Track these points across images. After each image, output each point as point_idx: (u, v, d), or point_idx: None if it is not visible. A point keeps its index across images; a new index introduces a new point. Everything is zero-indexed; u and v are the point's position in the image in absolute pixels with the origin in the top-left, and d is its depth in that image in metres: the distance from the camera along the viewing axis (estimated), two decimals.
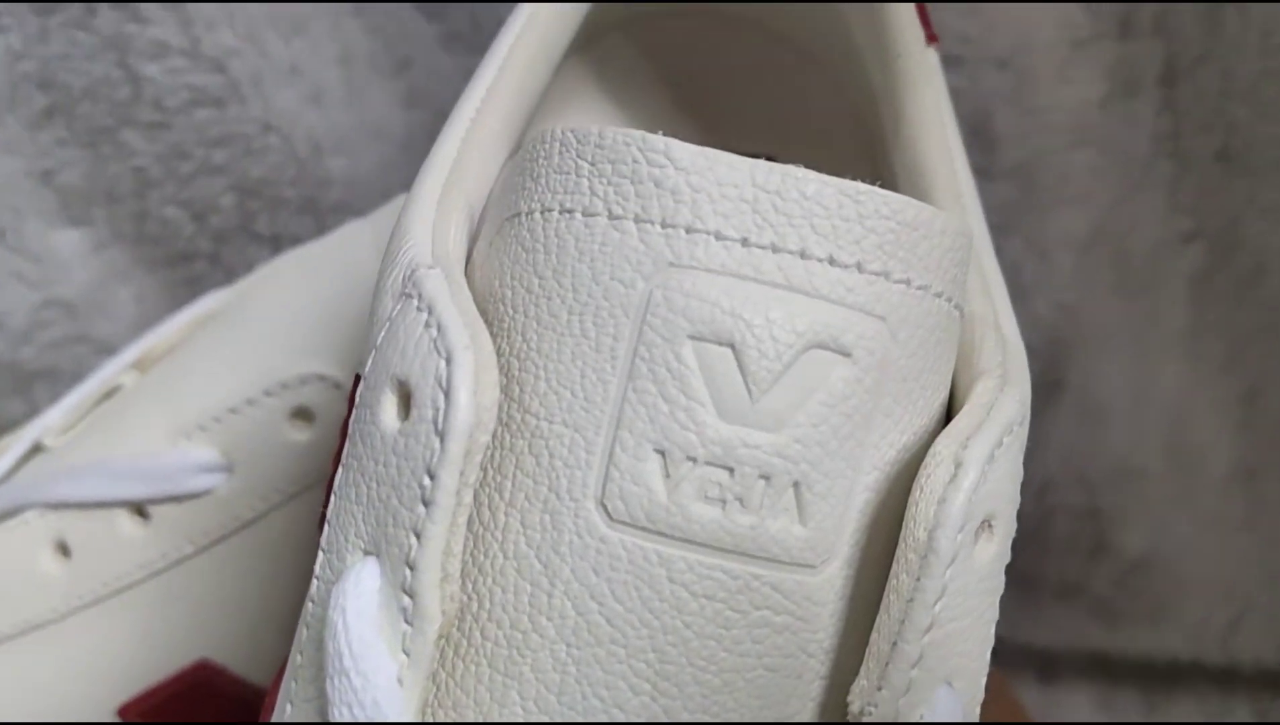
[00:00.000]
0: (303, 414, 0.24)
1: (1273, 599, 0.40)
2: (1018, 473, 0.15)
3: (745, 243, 0.14)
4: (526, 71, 0.20)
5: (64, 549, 0.25)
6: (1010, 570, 0.43)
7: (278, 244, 0.33)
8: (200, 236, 0.33)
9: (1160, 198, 0.35)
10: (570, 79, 0.25)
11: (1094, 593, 0.40)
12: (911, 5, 0.20)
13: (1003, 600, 0.43)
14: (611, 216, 0.14)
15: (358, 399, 0.15)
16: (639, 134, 0.14)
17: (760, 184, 0.14)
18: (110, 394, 0.28)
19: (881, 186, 0.14)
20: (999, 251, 0.35)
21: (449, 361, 0.14)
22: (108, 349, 0.34)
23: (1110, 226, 0.35)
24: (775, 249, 0.14)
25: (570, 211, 0.15)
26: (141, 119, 0.31)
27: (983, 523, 0.14)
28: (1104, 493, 0.38)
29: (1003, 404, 0.15)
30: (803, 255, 0.14)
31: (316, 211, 0.33)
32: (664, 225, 0.14)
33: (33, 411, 0.34)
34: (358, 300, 0.25)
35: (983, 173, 0.34)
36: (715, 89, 0.26)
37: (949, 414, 0.16)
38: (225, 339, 0.26)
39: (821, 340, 0.14)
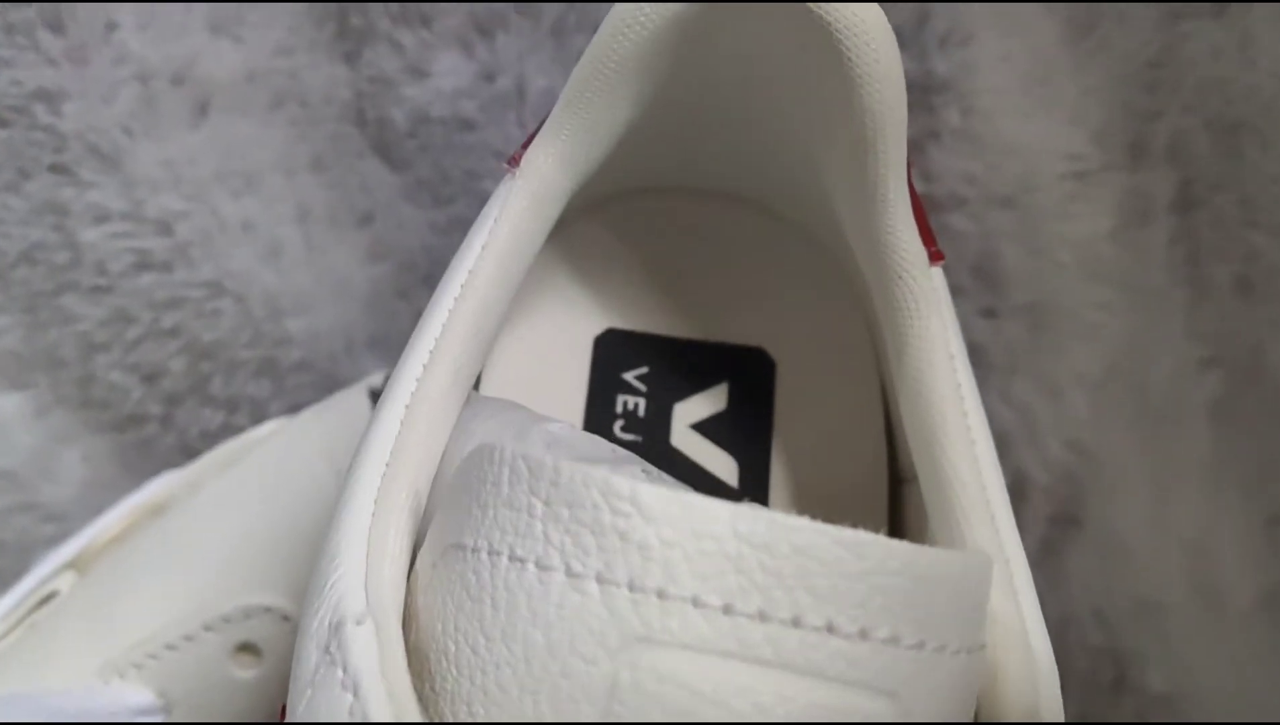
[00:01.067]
0: (248, 649, 0.22)
1: None
2: None
3: (728, 610, 0.12)
4: (487, 297, 0.18)
5: None
6: None
7: (233, 406, 0.31)
8: (150, 400, 0.31)
9: (1176, 327, 0.34)
10: (538, 270, 0.23)
11: None
12: (910, 219, 0.18)
13: None
14: (570, 574, 0.12)
15: None
16: (601, 476, 0.12)
17: (744, 536, 0.12)
18: (47, 599, 0.26)
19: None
20: (1008, 394, 0.34)
21: None
22: (55, 516, 0.32)
23: (1125, 360, 0.33)
24: (764, 617, 0.12)
25: (521, 560, 0.12)
26: (83, 283, 0.29)
27: None
28: (1124, 630, 0.37)
29: None
30: (796, 623, 0.12)
31: (275, 373, 0.30)
32: (632, 588, 0.12)
33: None
34: (305, 523, 0.23)
35: (990, 313, 0.32)
36: (700, 272, 0.24)
37: None
38: (164, 558, 0.23)
39: None
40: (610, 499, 0.12)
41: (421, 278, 0.31)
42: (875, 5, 0.16)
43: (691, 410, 0.23)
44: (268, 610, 0.22)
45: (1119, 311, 0.33)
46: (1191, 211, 0.33)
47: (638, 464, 0.15)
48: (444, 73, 0.28)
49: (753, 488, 0.22)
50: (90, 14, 0.27)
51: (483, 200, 0.30)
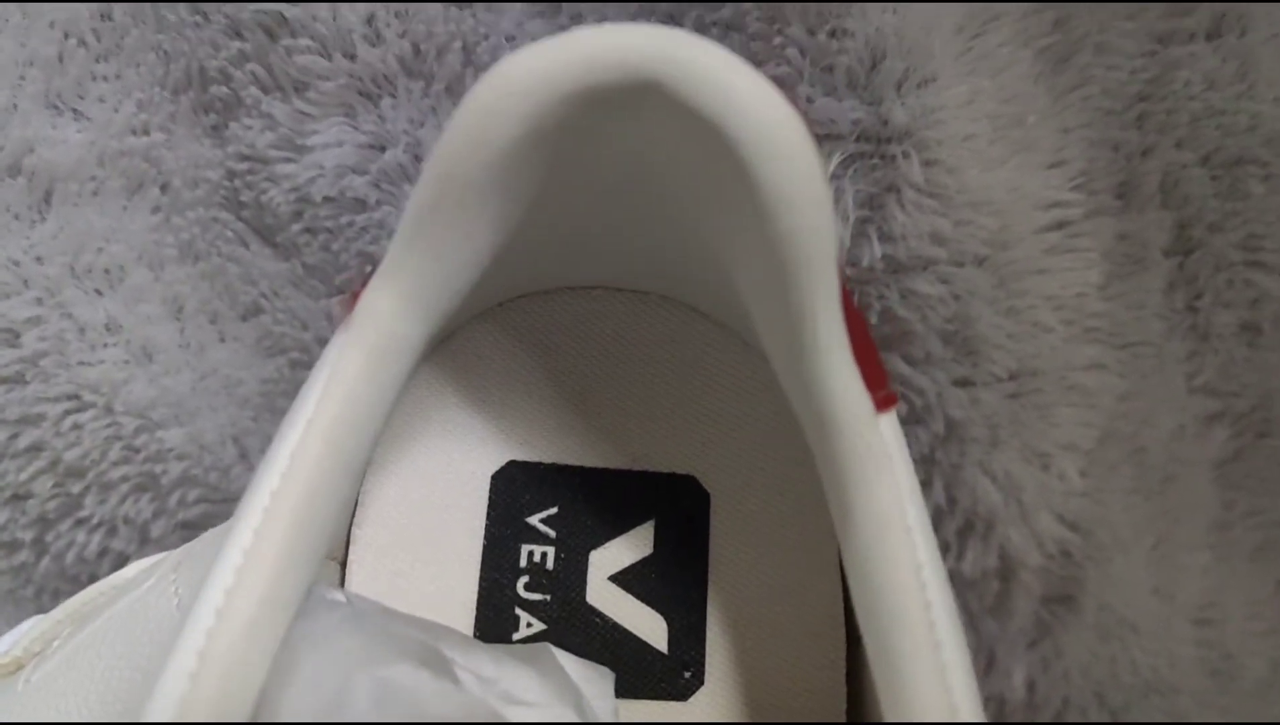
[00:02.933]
0: None
1: None
2: None
3: None
4: (314, 485, 0.14)
5: None
6: None
7: (112, 529, 0.27)
8: (17, 525, 0.27)
9: (1177, 382, 0.31)
10: (419, 390, 0.19)
11: None
12: (848, 362, 0.14)
13: None
14: None
15: None
16: None
17: None
18: None
19: None
20: (992, 468, 0.30)
21: None
22: None
23: (1121, 423, 0.30)
24: None
25: None
26: None
27: None
28: (1129, 712, 0.34)
29: None
30: None
31: (156, 489, 0.27)
32: None
33: None
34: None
35: (966, 382, 0.28)
36: (615, 386, 0.20)
37: None
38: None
39: None
40: None
41: None
42: (784, 103, 0.13)
43: (610, 558, 0.19)
44: None
45: (1112, 371, 0.30)
46: (1190, 255, 0.29)
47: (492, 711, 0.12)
48: (325, 146, 0.25)
49: (685, 652, 0.19)
50: None
51: None
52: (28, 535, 0.27)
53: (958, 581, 0.31)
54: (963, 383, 0.28)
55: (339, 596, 0.16)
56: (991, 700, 0.33)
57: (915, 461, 0.30)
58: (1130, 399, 0.30)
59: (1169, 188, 0.28)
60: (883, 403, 0.15)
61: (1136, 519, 0.31)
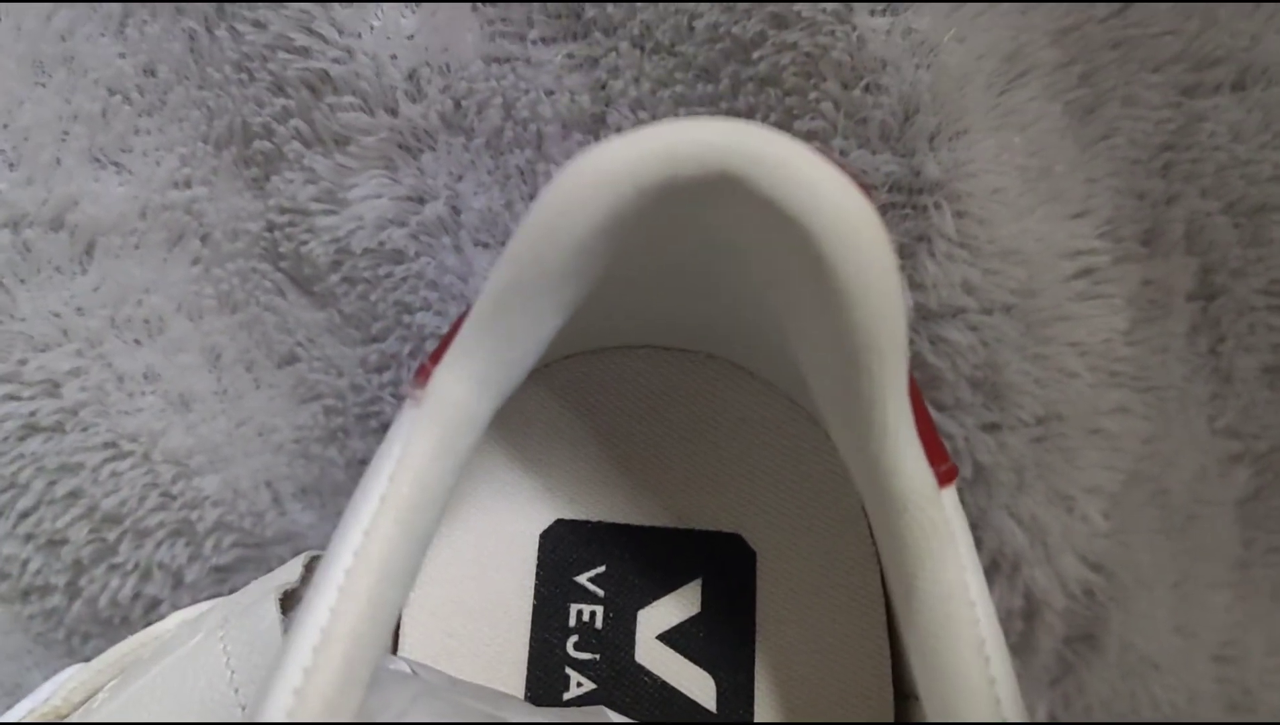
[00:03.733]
0: None
1: None
2: None
3: None
4: (388, 562, 0.14)
5: None
6: None
7: (146, 573, 0.27)
8: (50, 570, 0.27)
9: (1200, 424, 0.31)
10: (473, 456, 0.19)
11: None
12: (913, 442, 0.14)
13: None
14: None
15: None
16: None
17: None
18: None
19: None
20: (1017, 511, 0.30)
21: None
22: None
23: (1145, 466, 0.31)
24: None
25: None
26: None
27: None
28: None
29: None
30: None
31: (192, 535, 0.27)
32: None
33: None
34: None
35: (994, 428, 0.29)
36: (662, 445, 0.20)
37: None
38: None
39: None
40: None
41: (354, 419, 0.27)
42: (861, 198, 0.13)
43: (659, 617, 0.19)
44: None
45: (1136, 415, 0.30)
46: (1213, 300, 0.30)
47: None
48: (365, 199, 0.25)
49: (734, 711, 0.19)
50: None
51: (418, 336, 0.26)
52: (61, 580, 0.27)
53: None
54: (990, 428, 0.29)
55: (403, 667, 0.16)
56: None
57: None
58: (1154, 442, 0.30)
59: (1193, 235, 0.29)
60: (944, 478, 0.15)
61: (1159, 559, 0.32)
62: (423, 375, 0.15)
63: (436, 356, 0.15)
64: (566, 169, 0.13)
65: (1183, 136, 0.28)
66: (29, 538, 0.27)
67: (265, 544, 0.27)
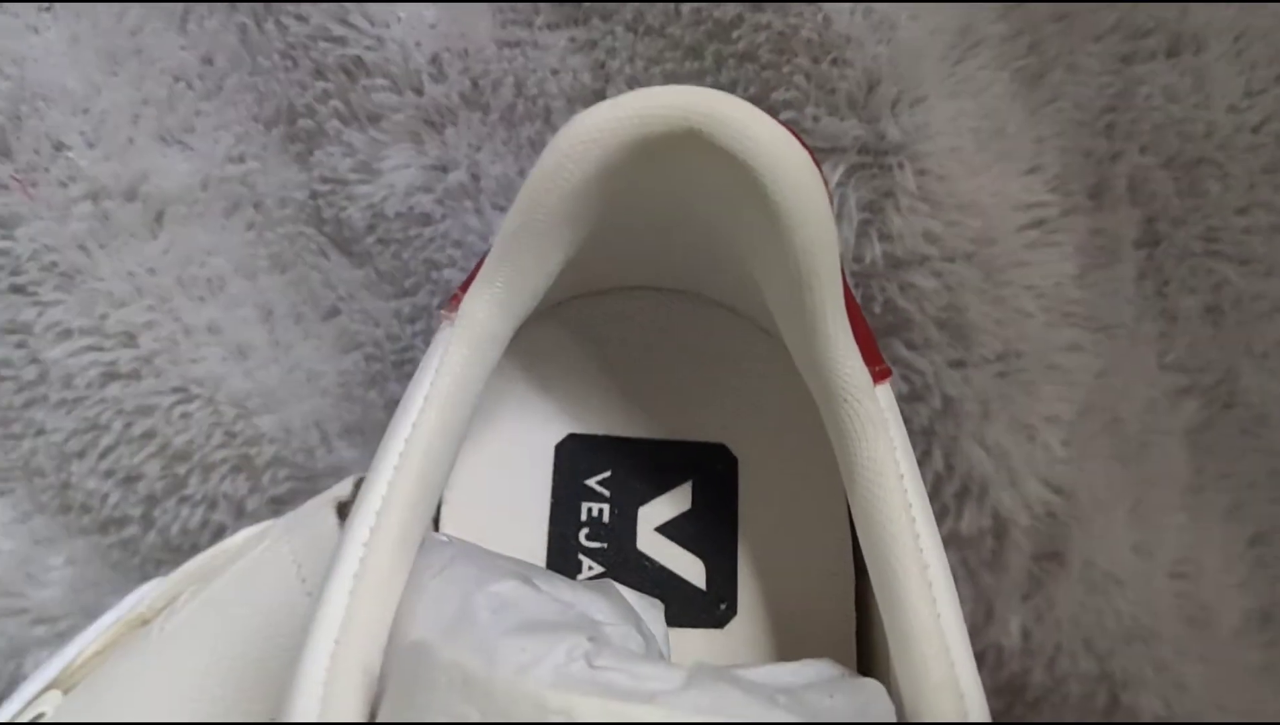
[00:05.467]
0: None
1: None
2: None
3: None
4: (431, 449, 0.18)
5: None
6: None
7: (212, 503, 0.31)
8: (127, 503, 0.31)
9: (1149, 358, 0.34)
10: (496, 378, 0.23)
11: None
12: (851, 343, 0.18)
13: None
14: None
15: None
16: (533, 689, 0.12)
17: None
18: (33, 723, 0.26)
19: None
20: (984, 439, 0.34)
21: None
22: (45, 618, 0.32)
23: (1098, 397, 0.34)
24: None
25: None
26: (51, 397, 0.29)
27: None
28: (1116, 657, 0.37)
29: None
30: None
31: (251, 469, 0.31)
32: None
33: None
34: (280, 644, 0.23)
35: (960, 364, 0.32)
36: (658, 371, 0.24)
37: None
38: (146, 679, 0.24)
39: None
40: (543, 711, 0.12)
41: (391, 366, 0.31)
42: (797, 145, 0.16)
43: (656, 512, 0.23)
44: None
45: (1089, 351, 0.33)
46: (1157, 247, 0.33)
47: (584, 632, 0.15)
48: (396, 169, 0.28)
49: (721, 588, 0.22)
50: (36, 136, 0.27)
51: (444, 289, 0.30)
52: (136, 512, 0.31)
53: (957, 540, 0.34)
54: (956, 364, 0.32)
55: (444, 538, 0.20)
56: (990, 649, 0.36)
57: (916, 434, 0.33)
58: (1106, 376, 0.33)
59: (1136, 188, 0.32)
60: (879, 376, 0.18)
61: (1115, 483, 0.35)
62: (454, 302, 0.19)
63: (465, 286, 0.19)
64: (561, 131, 0.16)
65: (1122, 99, 0.31)
66: (109, 474, 0.31)
67: (315, 477, 0.31)
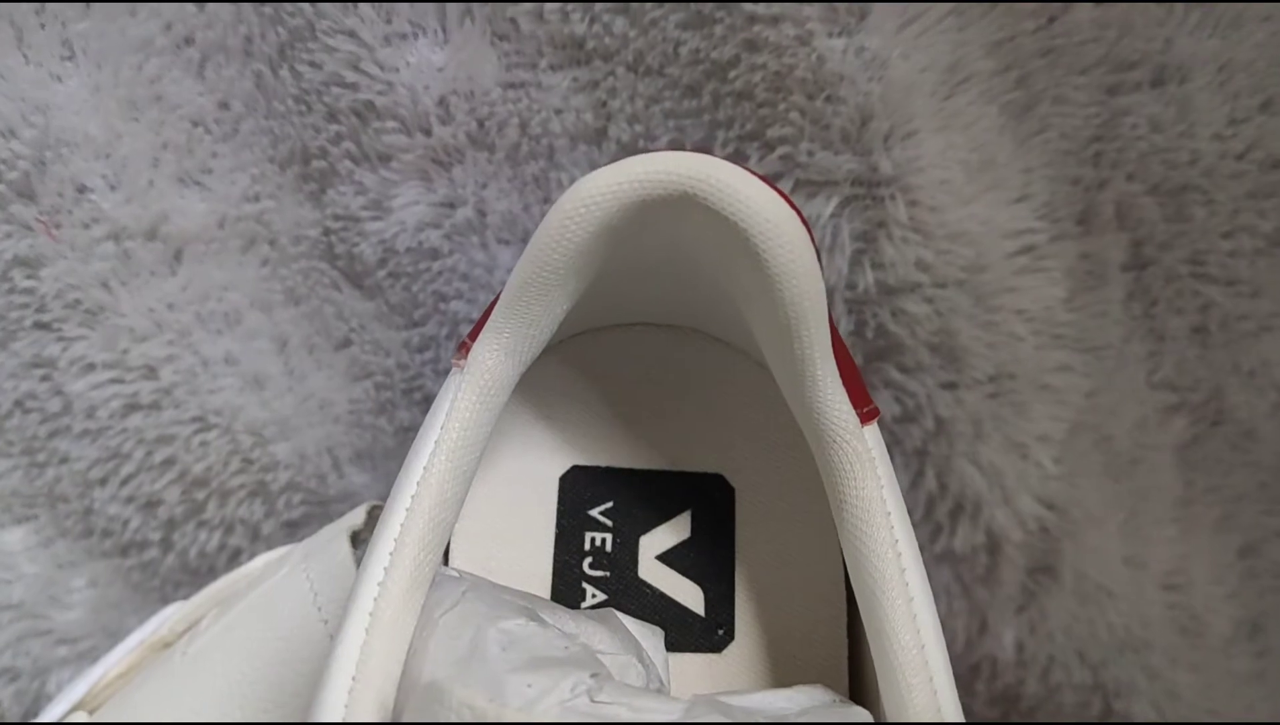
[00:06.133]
0: None
1: None
2: None
3: None
4: (443, 489, 0.19)
5: None
6: None
7: (229, 528, 0.32)
8: (148, 527, 0.32)
9: (1138, 377, 0.35)
10: (503, 414, 0.24)
11: None
12: (839, 387, 0.19)
13: None
14: None
15: None
16: (538, 723, 0.13)
17: None
18: None
19: None
20: (976, 458, 0.35)
21: None
22: (67, 639, 0.33)
23: (1089, 416, 0.34)
24: None
25: None
26: (75, 428, 0.30)
27: None
28: (1108, 667, 0.38)
29: None
30: None
31: (266, 494, 0.32)
32: None
33: None
34: (297, 671, 0.24)
35: (952, 386, 0.33)
36: (658, 403, 0.25)
37: None
38: (170, 702, 0.25)
39: None
40: None
41: (400, 393, 0.32)
42: (784, 205, 0.17)
43: (656, 541, 0.24)
44: None
45: (1078, 371, 0.34)
46: (1144, 270, 0.33)
47: (587, 669, 0.17)
48: (406, 206, 0.30)
49: (719, 615, 0.23)
50: (60, 180, 0.28)
51: (452, 319, 0.31)
52: (156, 536, 0.32)
53: (951, 557, 0.35)
54: (949, 386, 0.33)
55: (454, 573, 0.21)
56: (985, 661, 0.37)
57: (910, 454, 0.34)
58: (1096, 395, 0.34)
59: (1123, 214, 0.32)
60: (866, 417, 0.19)
61: (1107, 498, 0.35)
62: (464, 349, 0.20)
63: (474, 334, 0.20)
64: (565, 194, 0.18)
65: (1109, 129, 0.32)
66: (130, 500, 0.32)
67: (328, 502, 0.32)
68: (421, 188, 0.30)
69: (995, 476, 0.34)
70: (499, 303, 0.19)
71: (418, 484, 0.18)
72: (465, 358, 0.19)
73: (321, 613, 0.25)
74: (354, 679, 0.16)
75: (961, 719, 0.17)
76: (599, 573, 0.23)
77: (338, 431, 0.32)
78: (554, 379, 0.25)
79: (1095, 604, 0.36)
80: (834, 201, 0.31)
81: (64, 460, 0.31)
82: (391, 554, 0.18)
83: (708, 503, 0.24)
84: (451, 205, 0.30)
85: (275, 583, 0.26)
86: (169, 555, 0.33)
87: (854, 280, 0.31)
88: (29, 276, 0.28)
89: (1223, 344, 0.34)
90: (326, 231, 0.30)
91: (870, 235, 0.31)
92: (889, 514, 0.19)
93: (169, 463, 0.31)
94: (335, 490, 0.32)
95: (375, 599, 0.17)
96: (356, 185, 0.29)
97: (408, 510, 0.18)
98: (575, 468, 0.24)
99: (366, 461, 0.32)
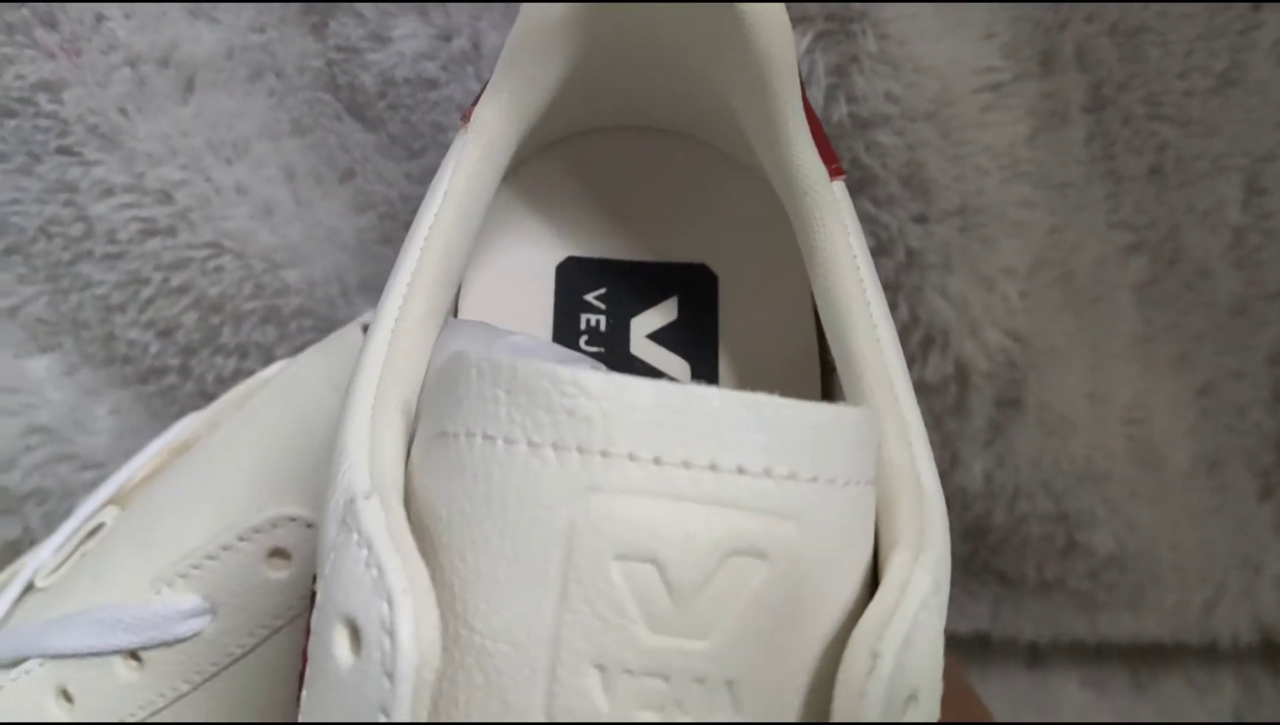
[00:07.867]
0: (279, 553, 0.25)
1: (1244, 579, 0.41)
2: (937, 644, 0.16)
3: (658, 462, 0.15)
4: (450, 237, 0.21)
5: (67, 695, 0.27)
6: (990, 568, 0.43)
7: (244, 352, 0.34)
8: (167, 353, 0.34)
9: (1099, 217, 0.36)
10: (501, 209, 0.26)
11: (1071, 587, 0.41)
12: (809, 143, 0.21)
13: (986, 595, 0.44)
14: (531, 444, 0.15)
15: (313, 626, 0.16)
16: (550, 368, 0.15)
17: (666, 404, 0.15)
18: (94, 532, 0.29)
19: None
20: (945, 290, 0.37)
21: (390, 605, 0.15)
22: (92, 464, 0.35)
23: (1051, 252, 0.36)
24: (687, 465, 0.15)
25: (492, 438, 0.16)
26: (97, 252, 0.32)
27: (907, 698, 0.15)
28: (1072, 497, 0.40)
29: (917, 580, 0.16)
30: (713, 468, 0.15)
31: (279, 319, 0.34)
32: (580, 451, 0.15)
33: (25, 531, 0.36)
34: (316, 440, 0.26)
35: (922, 218, 0.35)
36: (647, 201, 0.27)
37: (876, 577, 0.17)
38: (195, 485, 0.27)
39: (738, 547, 0.15)
40: (560, 385, 0.15)
41: (402, 225, 0.34)
42: None
43: (647, 322, 0.26)
44: (293, 519, 0.25)
45: (1041, 208, 0.35)
46: (1103, 111, 0.35)
47: (586, 362, 0.19)
48: (405, 37, 0.31)
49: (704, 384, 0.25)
50: (80, 9, 0.29)
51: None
52: (175, 362, 0.34)
53: (923, 389, 0.37)
54: (919, 219, 0.35)
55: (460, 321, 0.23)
56: (956, 493, 0.39)
57: (884, 287, 0.36)
58: (1059, 231, 0.36)
59: (1083, 55, 0.34)
60: (834, 173, 0.21)
61: (1069, 332, 0.37)
62: (467, 115, 0.22)
63: (475, 101, 0.22)
64: None
65: None
66: (149, 325, 0.34)
67: (337, 326, 0.34)
68: (419, 20, 0.31)
69: (964, 308, 0.36)
70: (498, 64, 0.21)
71: (429, 229, 0.20)
72: (468, 120, 0.21)
73: (337, 387, 0.27)
74: (380, 380, 0.18)
75: (918, 415, 0.19)
76: (594, 349, 0.26)
77: (345, 259, 0.33)
78: (550, 177, 0.27)
79: (1059, 436, 0.38)
80: (809, 36, 0.32)
81: (86, 286, 0.33)
82: (408, 285, 0.20)
83: (693, 289, 0.26)
84: (447, 37, 0.31)
85: (293, 372, 0.28)
86: (187, 382, 0.35)
87: (829, 114, 0.33)
88: (53, 100, 0.30)
89: (1178, 185, 0.36)
90: (329, 62, 0.32)
91: (843, 69, 0.33)
92: (855, 257, 0.21)
93: (185, 288, 0.33)
94: (344, 316, 0.34)
95: (395, 320, 0.19)
96: (357, 17, 0.31)
97: (421, 250, 0.20)
98: (571, 258, 0.26)
99: (372, 290, 0.34)
